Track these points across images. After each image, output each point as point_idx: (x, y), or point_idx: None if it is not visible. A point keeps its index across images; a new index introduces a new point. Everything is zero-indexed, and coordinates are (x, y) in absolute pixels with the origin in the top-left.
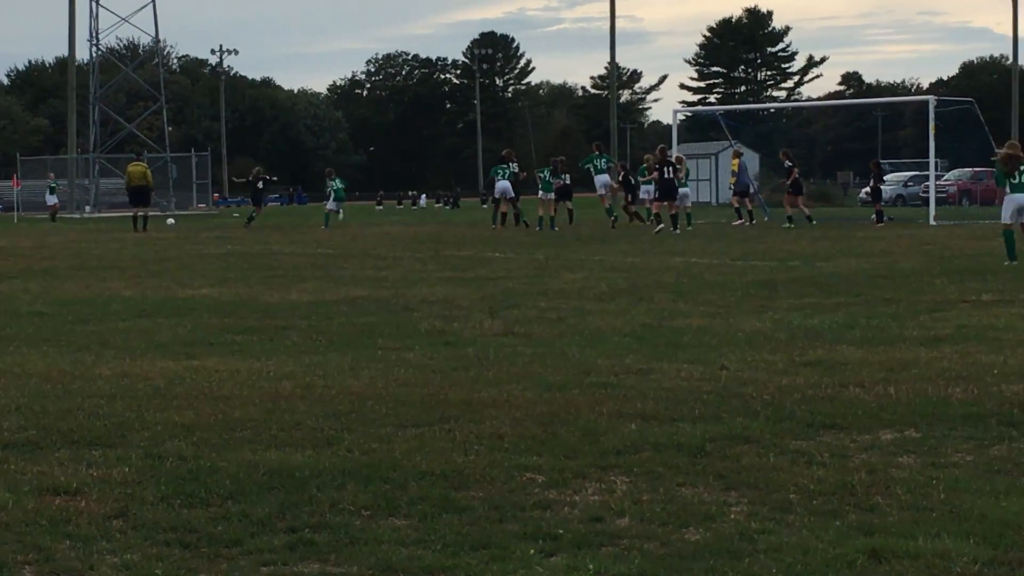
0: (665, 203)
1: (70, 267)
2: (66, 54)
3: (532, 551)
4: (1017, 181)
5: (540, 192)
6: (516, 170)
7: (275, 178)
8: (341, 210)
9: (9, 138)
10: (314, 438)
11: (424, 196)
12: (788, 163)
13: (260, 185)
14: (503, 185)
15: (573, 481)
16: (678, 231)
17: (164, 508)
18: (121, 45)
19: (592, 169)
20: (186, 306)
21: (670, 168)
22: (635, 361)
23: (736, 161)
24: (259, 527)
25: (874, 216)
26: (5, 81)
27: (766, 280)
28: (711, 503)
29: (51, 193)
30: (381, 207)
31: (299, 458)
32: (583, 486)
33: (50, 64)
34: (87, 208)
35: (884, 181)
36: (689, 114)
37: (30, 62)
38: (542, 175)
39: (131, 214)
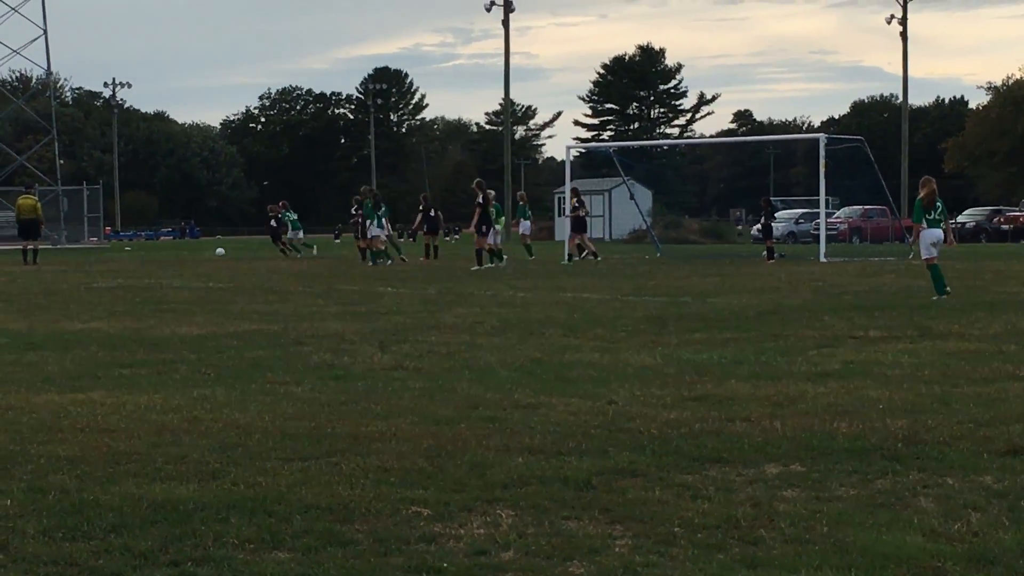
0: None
1: None
2: None
3: None
4: (933, 216)
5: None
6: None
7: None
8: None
9: None
10: (199, 471)
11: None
12: (576, 202)
13: (273, 223)
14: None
15: (459, 514)
16: (503, 264)
17: (45, 541)
18: (12, 77)
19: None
20: (74, 339)
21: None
22: (523, 395)
23: (575, 200)
24: (142, 560)
25: (765, 253)
26: None
27: (656, 315)
28: (596, 536)
29: None
30: (339, 240)
31: (183, 491)
32: (469, 519)
33: None
34: None
35: (775, 218)
36: (583, 150)
37: None
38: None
39: (20, 247)
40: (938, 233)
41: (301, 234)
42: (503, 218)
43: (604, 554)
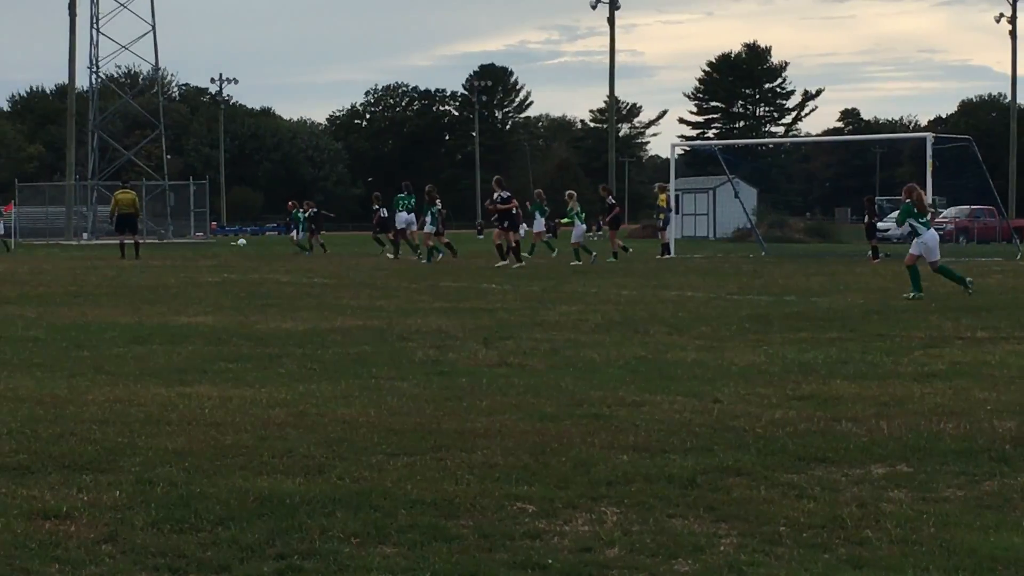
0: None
1: (66, 293)
2: (66, 81)
3: None
4: (925, 219)
5: (427, 227)
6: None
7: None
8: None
9: (3, 165)
10: (305, 465)
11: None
12: (611, 199)
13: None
14: (407, 217)
15: (563, 511)
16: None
17: (154, 533)
18: (120, 73)
19: (398, 207)
20: (181, 333)
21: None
22: (628, 393)
23: (663, 196)
24: (248, 553)
25: (870, 252)
26: (6, 107)
27: (761, 314)
28: (701, 535)
29: None
30: (482, 236)
31: (290, 485)
32: (573, 516)
33: (50, 91)
34: (84, 235)
35: (878, 217)
36: (687, 148)
37: (31, 88)
38: (430, 211)
39: (118, 241)
40: (936, 236)
41: (296, 235)
42: (582, 215)
43: (709, 552)
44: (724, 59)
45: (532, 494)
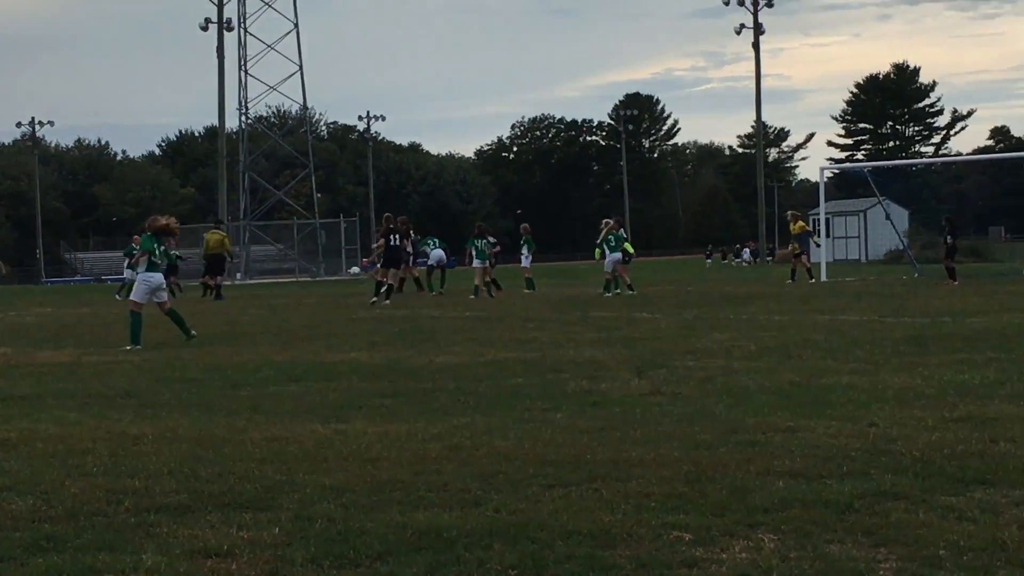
0: (390, 270)
1: (221, 333)
2: (216, 123)
3: None
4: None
5: (475, 261)
6: (492, 241)
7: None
8: None
9: (159, 208)
10: (461, 499)
11: (748, 251)
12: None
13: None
14: (438, 254)
15: (720, 539)
16: (386, 301)
17: (314, 569)
18: (269, 113)
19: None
20: (336, 370)
21: (396, 236)
22: (783, 419)
23: (798, 224)
24: None
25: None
26: (157, 152)
27: (916, 336)
28: (860, 560)
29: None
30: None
31: (447, 518)
32: (730, 544)
33: (199, 133)
34: (238, 275)
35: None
36: (837, 171)
37: (181, 132)
38: (475, 244)
39: (207, 282)
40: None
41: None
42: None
43: None
44: (872, 80)
45: (688, 522)
